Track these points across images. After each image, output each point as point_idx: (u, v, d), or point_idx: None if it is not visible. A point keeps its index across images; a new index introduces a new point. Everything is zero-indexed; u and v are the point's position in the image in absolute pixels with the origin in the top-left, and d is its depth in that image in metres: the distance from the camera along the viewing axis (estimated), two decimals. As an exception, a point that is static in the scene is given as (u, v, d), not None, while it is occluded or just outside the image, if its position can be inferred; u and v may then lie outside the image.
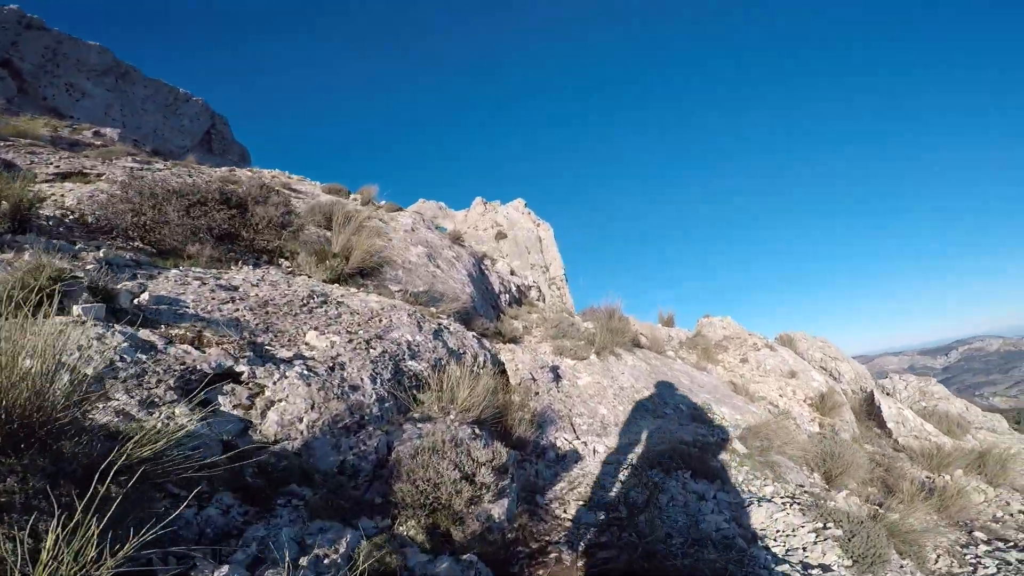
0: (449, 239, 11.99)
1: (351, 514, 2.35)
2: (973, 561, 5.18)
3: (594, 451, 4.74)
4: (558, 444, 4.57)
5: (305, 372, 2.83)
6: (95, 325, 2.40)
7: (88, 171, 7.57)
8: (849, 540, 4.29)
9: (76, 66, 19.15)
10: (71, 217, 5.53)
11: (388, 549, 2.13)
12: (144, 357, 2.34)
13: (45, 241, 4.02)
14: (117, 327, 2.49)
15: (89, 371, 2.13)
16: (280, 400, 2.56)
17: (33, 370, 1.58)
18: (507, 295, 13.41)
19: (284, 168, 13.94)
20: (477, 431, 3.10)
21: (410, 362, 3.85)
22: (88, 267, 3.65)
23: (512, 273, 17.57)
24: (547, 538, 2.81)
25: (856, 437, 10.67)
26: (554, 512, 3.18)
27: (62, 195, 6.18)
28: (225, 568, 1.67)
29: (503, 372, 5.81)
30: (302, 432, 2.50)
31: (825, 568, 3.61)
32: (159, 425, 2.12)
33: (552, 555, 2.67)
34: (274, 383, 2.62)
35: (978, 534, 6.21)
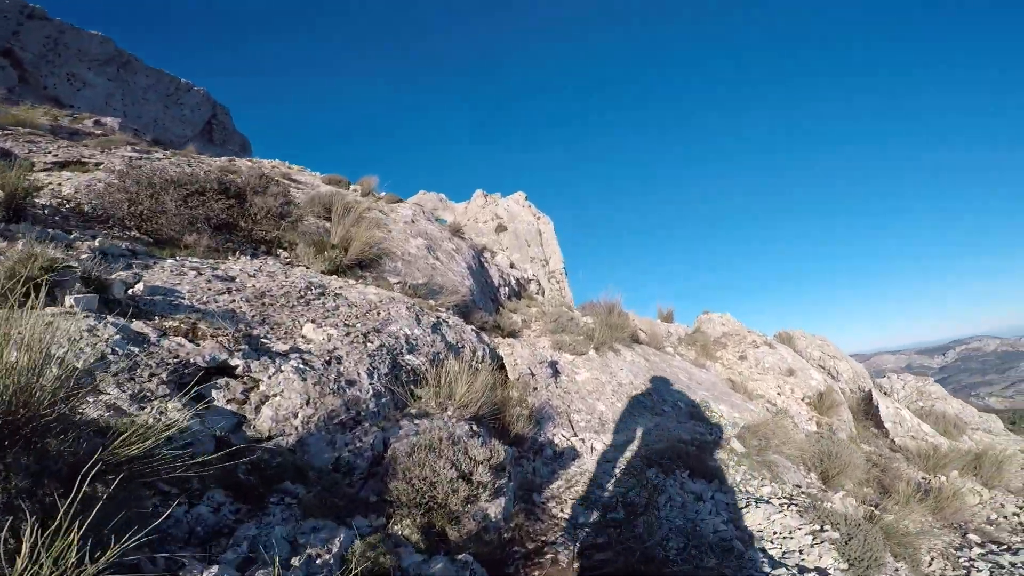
0: (449, 231, 11.92)
1: (345, 512, 2.32)
2: (967, 564, 5.18)
3: (592, 448, 4.72)
4: (556, 441, 4.54)
5: (301, 366, 2.79)
6: (87, 316, 2.35)
7: (86, 160, 7.50)
8: (846, 543, 4.28)
9: (77, 56, 19.05)
10: (68, 206, 5.47)
11: (382, 549, 2.10)
12: (136, 350, 2.30)
13: (39, 230, 3.97)
14: (109, 318, 2.44)
15: (79, 364, 2.09)
16: (275, 395, 2.52)
17: (19, 364, 1.54)
18: (506, 288, 13.37)
19: (285, 159, 13.85)
20: (475, 428, 3.06)
21: (408, 356, 3.81)
22: (82, 256, 3.59)
23: (512, 266, 17.51)
24: (543, 538, 2.79)
25: (853, 436, 10.68)
26: (551, 511, 3.16)
27: (59, 184, 6.11)
28: (215, 568, 1.64)
29: (502, 367, 5.78)
30: (297, 428, 2.46)
31: (821, 572, 3.60)
32: (150, 420, 2.08)
33: (548, 556, 2.65)
34: (269, 377, 2.58)
35: (972, 536, 6.22)
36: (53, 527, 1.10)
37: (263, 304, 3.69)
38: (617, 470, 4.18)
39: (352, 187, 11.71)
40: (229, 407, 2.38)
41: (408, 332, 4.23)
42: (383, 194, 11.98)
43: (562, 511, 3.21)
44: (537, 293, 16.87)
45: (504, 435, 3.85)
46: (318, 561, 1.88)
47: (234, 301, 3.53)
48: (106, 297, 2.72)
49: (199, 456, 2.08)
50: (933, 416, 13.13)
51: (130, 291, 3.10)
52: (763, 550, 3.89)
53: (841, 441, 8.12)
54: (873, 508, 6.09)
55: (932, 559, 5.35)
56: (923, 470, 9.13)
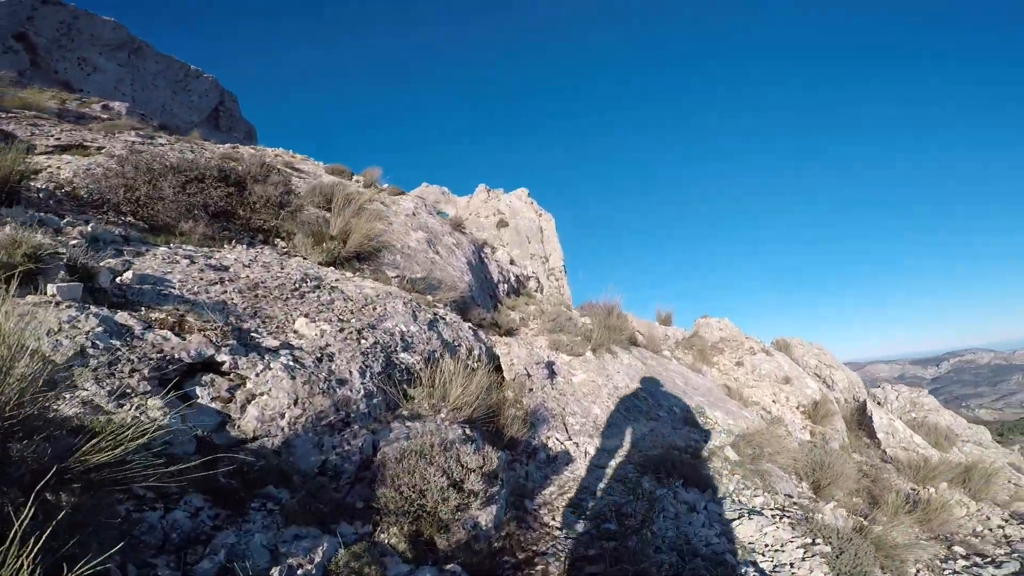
0: (450, 225, 11.81)
1: (330, 518, 2.25)
2: (951, 576, 5.19)
3: (586, 453, 4.66)
4: (550, 445, 4.48)
5: (291, 363, 2.70)
6: (69, 307, 2.26)
7: (89, 144, 7.39)
8: (837, 557, 4.24)
9: (90, 41, 19.01)
10: (64, 190, 5.36)
11: (367, 559, 2.03)
12: (118, 343, 2.21)
13: (30, 214, 3.86)
14: (93, 309, 2.35)
15: (57, 359, 2.01)
16: (262, 394, 2.44)
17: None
18: (505, 285, 13.29)
19: (290, 147, 13.72)
20: (468, 432, 2.99)
21: (402, 354, 3.73)
22: (72, 243, 3.49)
23: (512, 262, 17.41)
24: (534, 548, 2.72)
25: (845, 446, 10.67)
26: (542, 519, 3.10)
27: (59, 168, 6.01)
28: (189, 580, 1.57)
29: (498, 366, 5.71)
30: (283, 429, 2.38)
31: (813, 587, 3.55)
32: (128, 418, 2.00)
33: (539, 567, 2.59)
34: (257, 375, 2.50)
35: (958, 548, 6.22)
36: (7, 544, 1.02)
37: (256, 296, 3.60)
38: (611, 477, 4.12)
39: (355, 178, 11.59)
40: (213, 405, 2.30)
41: (404, 329, 4.15)
42: (385, 186, 11.86)
43: (554, 519, 3.15)
44: (536, 290, 16.79)
45: (498, 438, 3.78)
46: (299, 572, 1.80)
47: (226, 292, 3.44)
48: (92, 286, 2.64)
49: (179, 457, 2.01)
50: (925, 427, 13.15)
51: (118, 279, 3.01)
52: (754, 563, 3.85)
53: (834, 451, 8.11)
54: (862, 519, 6.08)
55: (918, 571, 5.35)
56: (913, 481, 9.14)
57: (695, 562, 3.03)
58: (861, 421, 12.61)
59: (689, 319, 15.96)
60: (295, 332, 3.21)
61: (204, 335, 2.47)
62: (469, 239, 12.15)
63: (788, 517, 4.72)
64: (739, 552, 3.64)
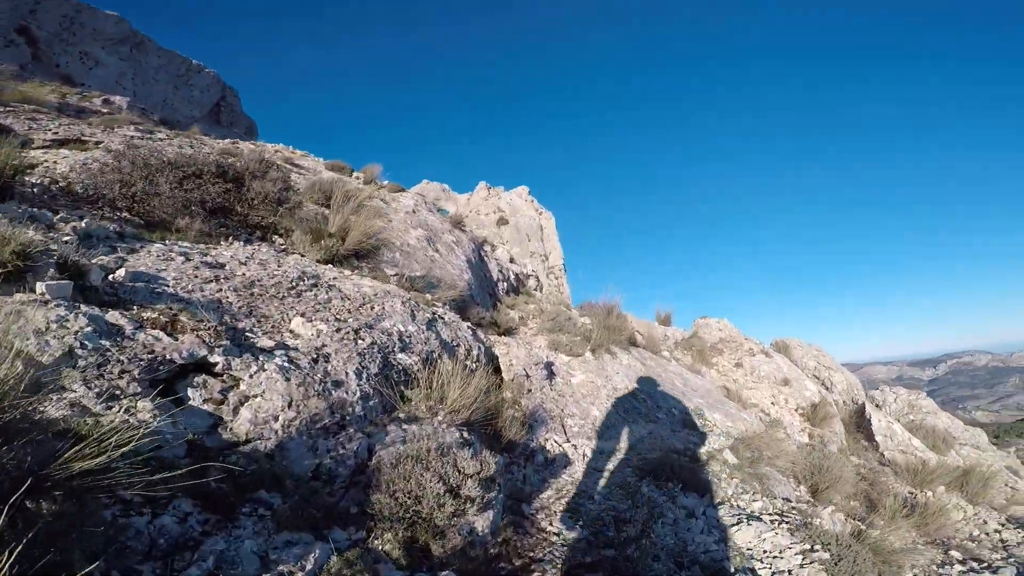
0: (450, 223, 11.75)
1: (323, 524, 2.21)
2: (947, 581, 5.18)
3: (584, 455, 4.62)
4: (548, 447, 4.44)
5: (286, 364, 2.66)
6: (58, 306, 2.21)
7: (87, 138, 7.33)
8: (835, 564, 4.21)
9: (92, 35, 18.96)
10: (59, 185, 5.31)
11: (360, 566, 1.99)
12: (108, 344, 2.16)
13: (22, 210, 3.81)
14: (83, 308, 2.30)
15: (44, 359, 1.96)
16: (256, 396, 2.39)
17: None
18: (505, 283, 13.24)
19: (291, 144, 13.67)
20: (466, 435, 2.94)
21: (400, 355, 3.68)
22: (64, 239, 3.44)
23: (511, 260, 17.35)
24: (531, 554, 2.68)
25: (843, 449, 10.66)
26: (539, 524, 3.06)
27: (55, 162, 5.95)
28: (176, 589, 1.52)
29: (497, 367, 5.67)
30: (277, 432, 2.33)
31: (812, 595, 3.52)
32: (116, 421, 1.95)
33: (535, 574, 2.55)
34: (251, 376, 2.45)
35: (954, 553, 6.21)
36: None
37: (251, 295, 3.55)
38: (610, 481, 4.08)
39: (355, 174, 11.52)
40: (205, 407, 2.25)
41: (402, 329, 4.10)
42: (386, 182, 11.80)
43: (551, 524, 3.11)
44: (536, 289, 16.75)
45: (496, 440, 3.74)
46: (290, 580, 1.76)
47: (221, 290, 3.39)
48: (82, 284, 2.58)
49: (168, 461, 1.96)
50: (923, 430, 13.15)
51: (111, 277, 2.96)
52: (752, 570, 3.82)
53: (832, 454, 8.08)
54: (860, 523, 6.06)
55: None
56: (910, 484, 9.13)
57: (693, 570, 2.99)
58: (859, 423, 12.60)
59: (688, 319, 15.95)
60: (291, 332, 3.16)
61: (197, 335, 2.42)
62: (469, 237, 12.10)
63: (787, 523, 4.68)
64: (737, 559, 3.60)
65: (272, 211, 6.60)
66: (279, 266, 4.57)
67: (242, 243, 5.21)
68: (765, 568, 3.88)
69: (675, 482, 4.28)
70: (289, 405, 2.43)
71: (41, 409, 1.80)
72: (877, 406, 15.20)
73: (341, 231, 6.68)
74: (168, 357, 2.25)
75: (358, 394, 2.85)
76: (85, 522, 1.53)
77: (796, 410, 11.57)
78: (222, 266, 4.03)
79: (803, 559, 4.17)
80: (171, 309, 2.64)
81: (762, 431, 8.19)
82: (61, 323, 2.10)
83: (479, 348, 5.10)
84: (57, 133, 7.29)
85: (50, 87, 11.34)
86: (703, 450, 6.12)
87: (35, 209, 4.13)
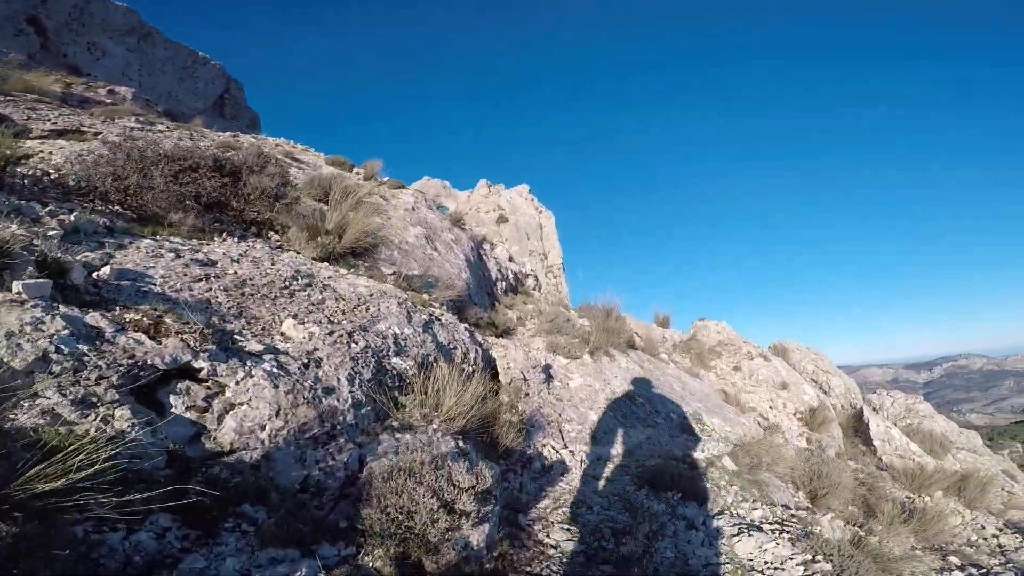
0: (449, 221, 11.64)
1: (311, 539, 2.11)
2: (946, 588, 5.13)
3: (581, 462, 4.53)
4: (545, 453, 4.35)
5: (275, 370, 2.55)
6: (35, 307, 2.10)
7: (86, 129, 7.20)
8: (838, 575, 4.14)
9: (101, 25, 18.89)
10: (51, 177, 5.18)
11: (348, 585, 1.89)
12: (85, 348, 2.06)
13: (8, 203, 3.69)
14: (61, 309, 2.19)
15: (16, 364, 1.85)
16: (242, 403, 2.28)
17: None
18: (503, 282, 13.14)
19: (295, 137, 13.53)
20: (461, 445, 2.85)
21: (395, 359, 3.57)
22: (50, 233, 3.32)
23: (510, 259, 17.24)
24: (528, 569, 2.59)
25: (841, 453, 10.61)
26: (536, 536, 2.97)
27: (50, 153, 5.82)
28: (149, 616, 1.42)
29: (494, 370, 5.57)
30: (263, 442, 2.23)
31: (815, 610, 3.44)
32: (92, 429, 1.85)
33: (531, 591, 2.46)
34: (237, 383, 2.35)
35: (952, 559, 6.16)
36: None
37: (242, 294, 3.44)
38: (608, 490, 3.99)
39: (356, 170, 11.39)
40: (188, 415, 2.15)
41: (397, 331, 3.99)
42: (386, 179, 11.68)
43: (548, 536, 3.02)
44: (534, 288, 16.65)
45: (493, 448, 3.65)
46: (273, 603, 1.66)
47: (210, 290, 3.28)
48: (63, 283, 2.47)
49: (146, 473, 1.86)
50: (920, 434, 13.12)
51: (95, 274, 2.85)
52: (754, 582, 3.74)
53: (831, 460, 8.02)
54: (859, 530, 6.00)
55: (913, 583, 5.29)
56: (908, 489, 9.09)
57: (695, 586, 2.91)
58: (857, 428, 12.55)
59: (686, 321, 15.88)
60: (282, 335, 3.05)
61: (181, 339, 2.31)
62: (468, 235, 11.99)
63: (788, 532, 4.61)
64: (739, 572, 3.52)
65: (269, 207, 6.48)
66: (272, 264, 4.45)
67: (236, 239, 5.09)
68: (766, 580, 3.80)
69: (674, 491, 4.19)
70: (277, 414, 2.33)
71: (12, 417, 1.70)
72: (875, 410, 15.17)
73: (338, 228, 6.57)
74: (150, 362, 2.14)
75: (350, 401, 2.74)
76: (52, 542, 1.43)
77: (794, 414, 11.51)
78: (214, 264, 3.92)
79: (804, 570, 4.09)
80: (156, 310, 2.53)
81: (761, 436, 8.12)
82: (36, 325, 2.00)
83: (476, 350, 5.00)
84: (56, 123, 7.15)
85: (54, 76, 11.18)
86: (702, 456, 6.04)
87: (22, 202, 4.00)
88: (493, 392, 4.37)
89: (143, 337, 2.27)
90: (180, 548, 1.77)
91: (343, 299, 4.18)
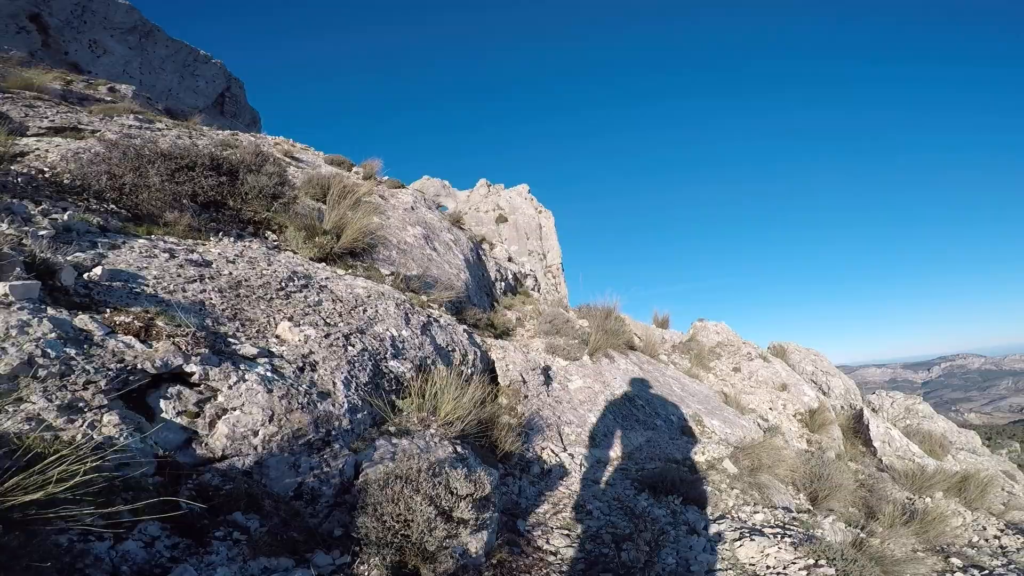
0: (449, 221, 11.60)
1: (305, 547, 2.06)
2: (949, 590, 5.10)
3: (581, 465, 4.48)
4: (544, 457, 4.30)
5: (269, 374, 2.50)
6: (21, 309, 2.05)
7: (83, 127, 7.14)
8: (841, 580, 4.10)
9: (103, 23, 18.86)
10: (45, 175, 5.12)
11: (343, 596, 1.84)
12: (73, 351, 2.00)
13: (1, 201, 3.63)
14: (49, 311, 2.14)
15: (1, 369, 1.80)
16: (234, 408, 2.23)
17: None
18: (503, 283, 13.10)
19: (296, 136, 13.49)
20: (459, 450, 2.79)
21: (392, 362, 3.52)
22: (41, 233, 3.26)
23: (510, 259, 17.22)
24: (526, 576, 2.55)
25: (841, 455, 10.59)
26: (536, 543, 2.92)
27: (46, 151, 5.76)
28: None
29: (493, 372, 5.52)
30: (256, 448, 2.18)
31: (818, 617, 3.39)
32: (79, 435, 1.80)
33: (530, 600, 2.41)
34: (229, 387, 2.29)
35: (954, 560, 6.13)
36: None
37: (237, 296, 3.38)
38: (608, 494, 3.94)
39: (355, 169, 11.33)
40: (178, 421, 2.09)
41: (395, 333, 3.94)
42: (385, 178, 11.63)
43: (548, 542, 2.97)
44: (534, 289, 16.62)
45: (491, 452, 3.59)
46: (264, 616, 1.61)
47: (205, 291, 3.23)
48: (52, 284, 2.42)
49: (134, 480, 1.81)
50: (920, 435, 13.12)
51: (86, 275, 2.79)
52: (756, 588, 3.69)
53: (831, 461, 7.99)
54: (860, 532, 5.97)
55: (916, 584, 5.25)
56: (909, 491, 9.07)
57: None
58: (857, 429, 12.53)
59: (685, 321, 15.85)
60: (277, 337, 3.00)
61: (173, 342, 2.26)
62: (467, 236, 11.94)
63: (790, 536, 4.56)
64: (741, 578, 3.47)
65: (266, 206, 6.42)
66: (268, 264, 4.40)
67: (232, 239, 5.04)
68: (768, 586, 3.75)
69: (675, 495, 4.14)
70: (270, 419, 2.28)
71: (-7, 424, 1.65)
72: (874, 411, 15.15)
73: (336, 228, 6.51)
74: (140, 366, 2.09)
75: (346, 406, 2.69)
76: (34, 553, 1.37)
77: (794, 416, 11.48)
78: (208, 264, 3.86)
79: (807, 575, 4.05)
80: (148, 313, 2.48)
81: (761, 438, 8.08)
82: (22, 328, 1.94)
83: (475, 352, 4.95)
84: (54, 121, 7.08)
85: (54, 73, 11.10)
86: (702, 459, 5.99)
87: (14, 200, 3.94)
88: (492, 395, 4.31)
89: (133, 340, 2.21)
90: (169, 557, 1.72)
91: (340, 300, 4.12)
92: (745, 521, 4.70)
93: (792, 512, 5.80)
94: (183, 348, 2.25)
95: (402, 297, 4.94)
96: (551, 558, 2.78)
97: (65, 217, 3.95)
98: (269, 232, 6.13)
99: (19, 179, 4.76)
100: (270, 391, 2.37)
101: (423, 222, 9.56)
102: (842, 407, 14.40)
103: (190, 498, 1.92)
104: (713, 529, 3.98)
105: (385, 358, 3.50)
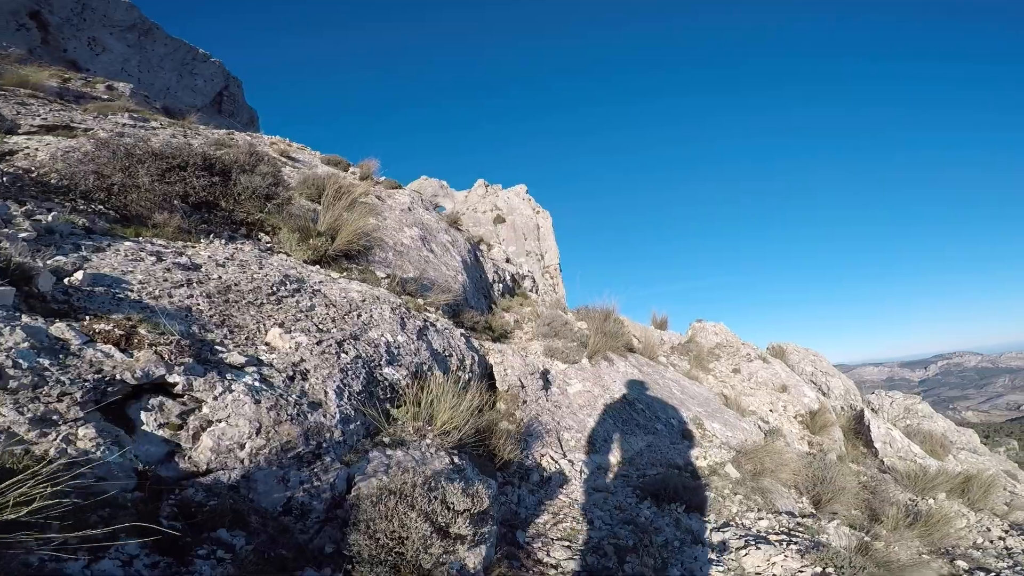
0: (446, 221, 11.50)
1: (294, 564, 1.95)
2: (956, 593, 5.02)
3: (581, 472, 4.38)
4: (543, 464, 4.20)
5: (257, 384, 2.39)
6: (-7, 316, 1.94)
7: (76, 125, 7.00)
8: (848, 589, 4.01)
9: (102, 21, 18.78)
10: (32, 175, 4.99)
11: (333, 620, 1.74)
12: (47, 362, 1.89)
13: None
14: (24, 319, 2.03)
15: (-34, 381, 1.69)
16: (219, 420, 2.12)
17: None
18: (500, 284, 12.99)
19: (294, 136, 13.36)
20: (456, 461, 2.69)
21: (387, 369, 3.41)
22: (21, 235, 3.15)
23: (507, 260, 17.11)
24: (526, 592, 2.45)
25: (843, 456, 10.51)
26: (535, 555, 2.82)
27: (36, 149, 5.63)
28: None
29: (490, 376, 5.41)
30: (242, 461, 2.07)
31: (827, 629, 3.30)
32: (52, 450, 1.69)
33: (531, 618, 2.31)
34: (215, 398, 2.18)
35: (960, 563, 6.05)
36: None
37: (226, 301, 3.27)
38: (609, 502, 3.84)
39: (352, 169, 11.22)
40: (160, 433, 1.99)
41: (390, 339, 3.83)
42: (382, 178, 11.52)
43: (548, 554, 2.87)
44: (532, 290, 16.52)
45: (490, 460, 3.49)
46: (247, 646, 1.51)
47: (192, 296, 3.11)
48: (28, 290, 2.31)
49: (112, 497, 1.70)
50: (920, 435, 13.06)
51: (67, 280, 2.68)
52: (762, 598, 3.60)
53: (834, 464, 7.91)
54: (864, 535, 5.89)
55: (923, 589, 5.17)
56: (911, 492, 9.00)
57: (703, 609, 2.76)
58: (858, 430, 12.46)
59: (683, 322, 15.78)
60: (266, 345, 2.89)
61: (155, 351, 2.15)
62: (465, 237, 11.84)
63: (795, 543, 4.47)
64: (747, 589, 3.38)
65: (259, 207, 6.30)
66: (260, 268, 4.29)
67: (224, 241, 4.92)
68: (775, 597, 3.67)
69: (678, 503, 4.05)
70: (258, 431, 2.17)
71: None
72: (874, 411, 15.09)
73: (331, 229, 6.40)
74: (119, 377, 1.98)
75: (338, 417, 2.58)
76: (4, 566, 1.27)
77: (795, 417, 11.40)
78: (198, 268, 3.75)
79: (813, 584, 3.96)
80: (130, 320, 2.37)
81: (762, 441, 8.00)
82: (-7, 338, 1.84)
83: (473, 357, 4.85)
84: (46, 119, 6.95)
85: (51, 71, 10.94)
86: (704, 464, 5.90)
87: (-3, 202, 3.83)
88: (490, 402, 4.21)
89: (113, 349, 2.11)
90: (147, 582, 1.61)
91: (334, 305, 4.01)
92: (749, 528, 4.61)
93: (796, 517, 5.71)
94: (166, 357, 2.15)
95: (398, 301, 4.83)
96: (552, 572, 2.68)
97: (49, 218, 3.83)
98: (262, 234, 6.01)
99: (4, 178, 4.64)
100: (258, 402, 2.27)
101: (420, 223, 9.45)
102: (842, 408, 14.33)
103: (171, 515, 1.81)
104: (717, 538, 3.89)
105: (380, 365, 3.39)
